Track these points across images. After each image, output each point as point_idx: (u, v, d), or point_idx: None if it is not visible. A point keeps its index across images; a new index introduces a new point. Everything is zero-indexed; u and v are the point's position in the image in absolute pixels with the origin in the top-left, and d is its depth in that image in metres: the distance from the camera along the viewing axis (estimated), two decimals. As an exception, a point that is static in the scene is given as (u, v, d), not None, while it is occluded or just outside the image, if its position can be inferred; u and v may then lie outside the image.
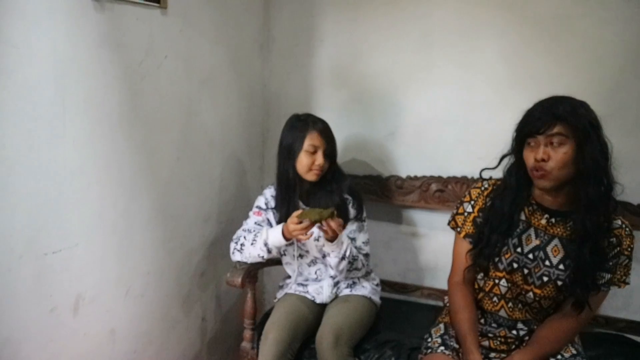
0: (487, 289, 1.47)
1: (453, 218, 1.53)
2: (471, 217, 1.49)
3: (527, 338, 1.44)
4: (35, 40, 1.18)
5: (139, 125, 1.54)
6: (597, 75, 1.81)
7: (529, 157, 1.33)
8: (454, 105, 2.00)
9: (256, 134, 2.28)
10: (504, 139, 1.92)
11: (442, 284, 2.05)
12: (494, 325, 1.48)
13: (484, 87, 1.95)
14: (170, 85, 1.65)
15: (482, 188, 1.50)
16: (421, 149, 2.08)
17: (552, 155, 1.28)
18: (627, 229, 1.35)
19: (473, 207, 1.49)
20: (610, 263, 1.34)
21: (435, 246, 2.12)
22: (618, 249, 1.34)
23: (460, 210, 1.51)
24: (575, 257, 1.34)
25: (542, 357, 1.38)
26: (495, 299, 1.46)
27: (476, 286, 1.51)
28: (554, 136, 1.27)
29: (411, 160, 2.10)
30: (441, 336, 1.52)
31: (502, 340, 1.46)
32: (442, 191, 2.00)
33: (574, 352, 1.41)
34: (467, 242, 1.48)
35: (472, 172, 1.98)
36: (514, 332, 1.45)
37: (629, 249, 1.34)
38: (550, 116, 1.27)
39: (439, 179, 2.02)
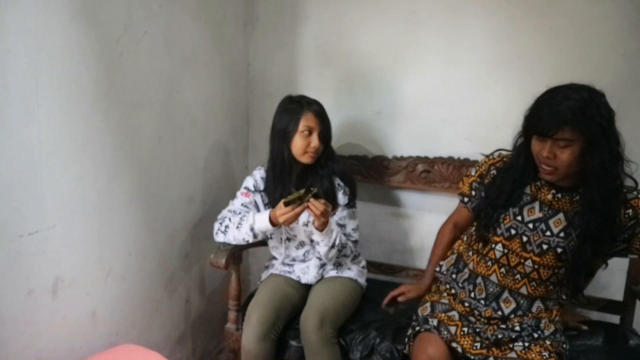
0: (483, 252, 1.50)
1: (462, 180, 1.62)
2: (470, 180, 1.56)
3: (512, 316, 1.45)
4: (4, 13, 1.12)
5: (118, 104, 1.49)
6: (584, 54, 1.80)
7: (536, 149, 1.33)
8: (441, 84, 1.98)
9: (240, 113, 2.24)
10: (491, 119, 1.93)
11: (427, 265, 2.06)
12: (482, 301, 1.49)
13: (471, 66, 1.93)
14: (150, 63, 1.60)
15: (491, 157, 1.54)
16: (408, 129, 2.06)
17: (558, 155, 1.27)
18: None
19: (476, 172, 1.55)
20: (626, 235, 1.36)
21: (421, 227, 2.12)
22: (634, 220, 1.35)
23: (468, 173, 1.59)
24: (581, 230, 1.36)
25: None
26: (489, 262, 1.48)
27: (475, 247, 1.54)
28: (561, 140, 1.26)
29: (397, 140, 2.08)
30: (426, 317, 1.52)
31: (485, 321, 1.47)
32: (428, 172, 1.99)
33: (553, 329, 1.43)
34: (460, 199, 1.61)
35: (459, 152, 1.98)
36: (499, 312, 1.46)
37: None
38: (557, 119, 1.24)
39: (425, 159, 2.01)
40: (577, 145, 1.25)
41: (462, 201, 1.61)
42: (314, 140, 1.66)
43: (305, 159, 1.69)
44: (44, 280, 1.31)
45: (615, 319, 1.82)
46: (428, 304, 1.58)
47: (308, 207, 1.54)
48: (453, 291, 1.56)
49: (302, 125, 1.65)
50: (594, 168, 1.25)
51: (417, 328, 1.49)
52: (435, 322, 1.47)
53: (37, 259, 1.28)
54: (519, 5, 1.83)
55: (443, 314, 1.49)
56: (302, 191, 1.53)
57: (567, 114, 1.23)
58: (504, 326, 1.44)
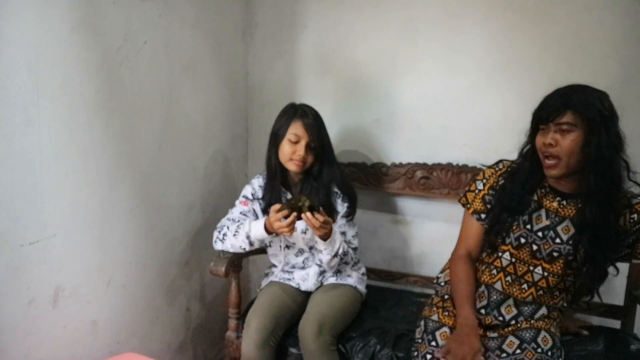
0: (489, 261, 1.50)
1: (464, 194, 1.56)
2: (481, 195, 1.51)
3: (513, 322, 1.45)
4: (5, 23, 1.13)
5: (118, 113, 1.50)
6: (580, 61, 1.81)
7: (539, 142, 1.36)
8: (439, 91, 1.99)
9: (240, 121, 2.25)
10: (489, 125, 1.94)
11: (428, 272, 2.06)
12: (482, 310, 1.48)
13: (469, 73, 1.94)
14: (150, 72, 1.61)
15: (497, 168, 1.53)
16: (406, 136, 2.07)
17: (559, 142, 1.31)
18: None
19: (484, 184, 1.52)
20: (630, 240, 1.38)
21: (421, 234, 2.12)
22: (639, 226, 1.36)
23: (472, 188, 1.54)
24: (578, 221, 1.37)
25: None
26: (494, 271, 1.48)
27: (480, 257, 1.52)
28: (563, 124, 1.30)
29: (396, 147, 2.09)
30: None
31: (486, 327, 1.47)
32: (427, 178, 2.00)
33: (551, 343, 1.41)
34: (474, 218, 1.51)
35: (458, 158, 1.98)
36: (500, 318, 1.46)
37: None
38: (561, 104, 1.30)
39: (424, 166, 2.01)
40: (579, 131, 1.29)
41: (479, 219, 1.51)
42: (300, 149, 1.66)
43: (291, 166, 1.69)
44: (44, 290, 1.31)
45: (616, 323, 1.81)
46: (447, 329, 1.47)
47: (307, 218, 1.52)
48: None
49: (290, 132, 1.67)
50: (591, 153, 1.29)
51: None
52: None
53: (38, 268, 1.28)
54: (517, 12, 1.85)
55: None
56: (297, 197, 1.53)
57: (570, 99, 1.30)
58: (504, 355, 1.39)
